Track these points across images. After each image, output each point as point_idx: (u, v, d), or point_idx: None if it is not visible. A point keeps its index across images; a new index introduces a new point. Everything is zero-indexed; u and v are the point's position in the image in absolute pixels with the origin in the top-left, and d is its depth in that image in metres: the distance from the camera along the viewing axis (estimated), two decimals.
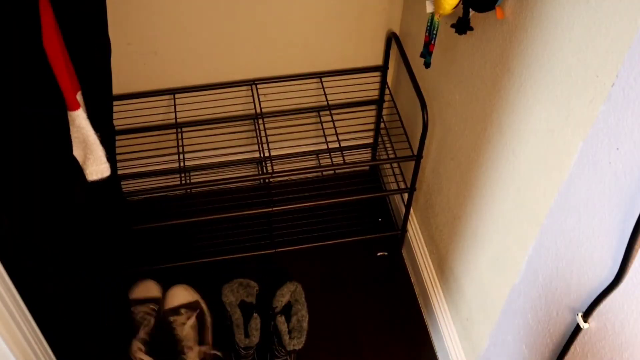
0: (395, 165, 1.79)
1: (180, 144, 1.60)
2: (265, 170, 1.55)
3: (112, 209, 1.30)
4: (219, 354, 1.53)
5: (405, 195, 1.65)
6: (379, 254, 1.83)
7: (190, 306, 1.58)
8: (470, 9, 1.06)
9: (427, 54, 1.23)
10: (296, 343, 1.48)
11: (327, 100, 1.64)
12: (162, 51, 1.51)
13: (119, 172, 1.40)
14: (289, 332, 1.51)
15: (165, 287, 1.65)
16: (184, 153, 1.58)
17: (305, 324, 1.52)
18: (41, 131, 0.97)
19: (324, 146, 1.61)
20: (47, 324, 1.11)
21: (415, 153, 1.49)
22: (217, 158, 1.76)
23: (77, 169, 1.05)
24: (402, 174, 1.74)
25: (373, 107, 1.78)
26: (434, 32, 1.18)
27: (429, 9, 1.13)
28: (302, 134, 1.69)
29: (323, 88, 1.65)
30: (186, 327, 1.53)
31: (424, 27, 1.20)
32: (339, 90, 1.67)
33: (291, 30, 1.53)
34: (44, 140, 0.99)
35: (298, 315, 1.54)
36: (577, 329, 0.94)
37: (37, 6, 0.87)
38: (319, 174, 1.91)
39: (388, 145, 1.77)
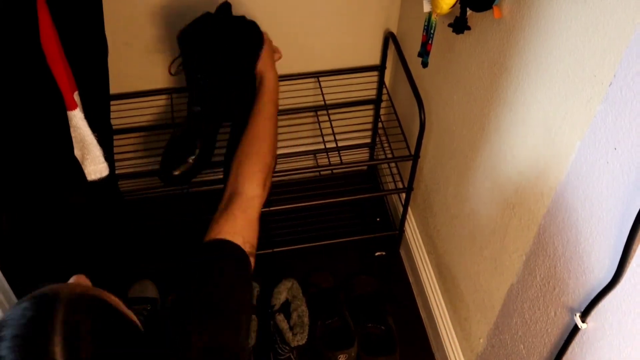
0: (392, 165, 1.78)
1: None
2: None
3: (110, 208, 1.30)
4: None
5: (403, 195, 1.65)
6: (377, 253, 1.83)
7: None
8: (468, 9, 1.06)
9: (424, 53, 1.23)
10: (300, 339, 1.48)
11: (324, 100, 1.64)
12: (159, 51, 1.51)
13: (117, 171, 1.39)
14: (291, 328, 1.51)
15: (164, 287, 1.64)
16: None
17: (306, 319, 1.52)
18: (41, 131, 0.97)
19: (322, 146, 1.60)
20: None
21: (413, 153, 1.48)
22: (214, 157, 1.75)
23: (77, 169, 1.05)
24: (399, 173, 1.74)
25: (370, 106, 1.78)
26: (432, 31, 1.18)
27: (427, 8, 1.13)
28: (299, 134, 1.69)
29: (320, 88, 1.65)
30: None
31: (421, 27, 1.20)
32: (337, 90, 1.67)
33: (288, 30, 1.52)
34: (44, 140, 0.99)
35: (298, 311, 1.54)
36: (575, 329, 0.94)
37: (34, 7, 0.87)
38: (317, 173, 1.90)
39: (386, 145, 1.77)
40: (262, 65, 1.20)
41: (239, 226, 0.95)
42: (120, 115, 1.54)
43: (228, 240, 0.92)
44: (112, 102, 1.26)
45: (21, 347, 0.59)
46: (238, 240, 0.93)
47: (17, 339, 0.59)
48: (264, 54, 1.21)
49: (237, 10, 1.46)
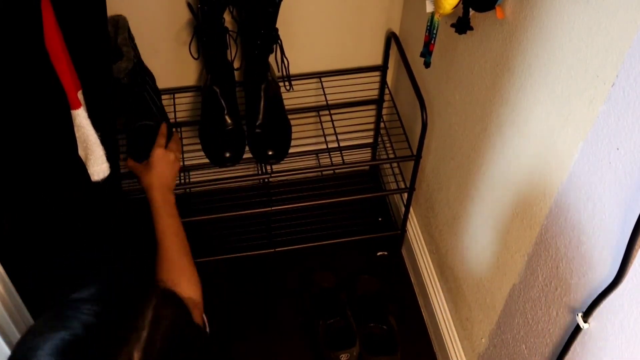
0: (395, 165, 1.78)
1: (180, 143, 1.60)
2: (264, 170, 1.55)
3: (113, 208, 1.30)
4: None
5: (405, 195, 1.65)
6: (378, 253, 1.83)
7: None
8: (471, 9, 1.06)
9: (427, 53, 1.23)
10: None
11: (326, 100, 1.64)
12: (162, 51, 1.51)
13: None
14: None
15: None
16: (183, 152, 1.58)
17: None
18: (44, 130, 0.97)
19: (324, 146, 1.61)
20: None
21: (415, 153, 1.48)
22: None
23: (81, 169, 1.05)
24: (401, 173, 1.74)
25: (373, 106, 1.78)
26: (434, 31, 1.18)
27: (429, 8, 1.13)
28: (301, 134, 1.69)
29: (322, 88, 1.65)
30: None
31: (423, 27, 1.20)
32: (339, 90, 1.67)
33: (290, 30, 1.52)
34: (48, 139, 0.99)
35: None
36: (577, 329, 0.94)
37: (38, 5, 0.87)
38: (319, 173, 1.90)
39: (388, 145, 1.77)
40: (145, 180, 1.24)
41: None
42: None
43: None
44: None
45: (112, 304, 0.61)
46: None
47: (110, 295, 0.62)
48: (149, 171, 1.24)
49: None
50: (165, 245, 1.15)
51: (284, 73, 1.50)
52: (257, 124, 1.44)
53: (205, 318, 1.02)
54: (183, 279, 1.10)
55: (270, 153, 1.42)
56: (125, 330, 0.60)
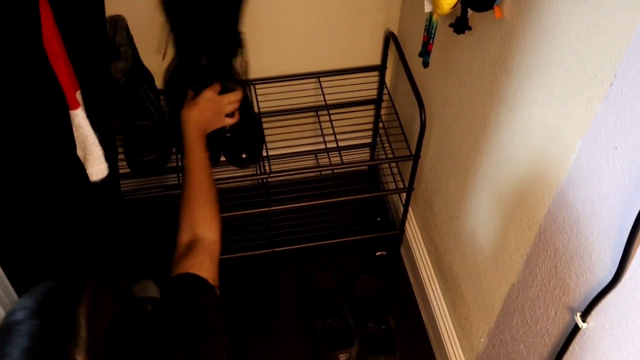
0: (393, 164, 1.79)
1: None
2: (263, 170, 1.55)
3: (112, 208, 1.30)
4: None
5: (404, 195, 1.65)
6: (377, 253, 1.83)
7: None
8: (469, 9, 1.06)
9: (425, 53, 1.23)
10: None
11: (325, 100, 1.64)
12: (158, 51, 1.51)
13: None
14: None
15: (166, 287, 1.64)
16: (181, 153, 1.58)
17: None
18: (43, 130, 0.97)
19: (322, 146, 1.61)
20: None
21: (414, 153, 1.49)
22: None
23: (80, 169, 1.05)
24: (400, 173, 1.74)
25: (371, 106, 1.78)
26: (433, 31, 1.18)
27: (428, 8, 1.13)
28: (300, 134, 1.69)
29: (321, 88, 1.65)
30: None
31: (422, 27, 1.20)
32: (337, 90, 1.67)
33: (289, 30, 1.52)
34: (47, 140, 0.99)
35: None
36: (576, 329, 0.94)
37: (36, 5, 0.87)
38: (318, 173, 1.91)
39: (386, 144, 1.77)
40: (185, 113, 1.23)
41: (206, 265, 0.99)
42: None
43: (196, 274, 0.97)
44: None
45: (44, 316, 0.59)
46: (206, 276, 0.97)
47: (40, 307, 0.60)
48: (193, 105, 1.24)
49: None
50: (192, 178, 1.13)
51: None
52: (226, 128, 1.42)
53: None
54: (202, 221, 1.08)
55: (244, 156, 1.40)
56: (62, 338, 0.58)
